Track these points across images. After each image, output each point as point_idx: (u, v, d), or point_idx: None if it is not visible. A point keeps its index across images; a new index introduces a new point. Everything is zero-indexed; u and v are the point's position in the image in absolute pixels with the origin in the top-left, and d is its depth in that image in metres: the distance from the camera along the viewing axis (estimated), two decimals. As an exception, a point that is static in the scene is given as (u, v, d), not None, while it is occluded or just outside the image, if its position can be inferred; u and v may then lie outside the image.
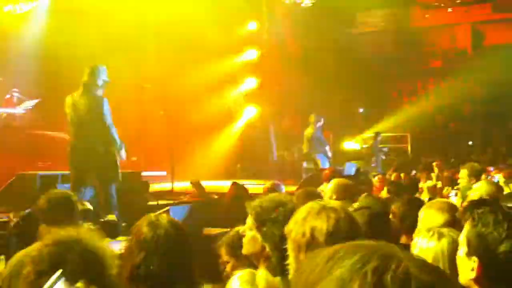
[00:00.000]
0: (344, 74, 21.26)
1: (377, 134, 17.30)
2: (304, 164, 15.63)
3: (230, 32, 17.52)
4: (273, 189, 6.16)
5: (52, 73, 12.79)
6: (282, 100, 18.64)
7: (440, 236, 2.46)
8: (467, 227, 1.90)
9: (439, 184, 8.15)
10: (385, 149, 17.01)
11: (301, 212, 2.17)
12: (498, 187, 4.03)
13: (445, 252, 2.37)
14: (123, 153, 7.34)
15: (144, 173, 10.66)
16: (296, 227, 2.15)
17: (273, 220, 2.50)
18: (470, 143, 19.33)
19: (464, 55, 22.60)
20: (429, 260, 2.36)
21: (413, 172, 12.07)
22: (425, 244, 2.47)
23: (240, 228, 2.90)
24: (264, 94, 18.23)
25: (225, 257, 3.45)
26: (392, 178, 10.20)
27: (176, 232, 2.52)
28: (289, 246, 2.11)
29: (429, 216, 3.19)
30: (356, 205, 4.73)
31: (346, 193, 4.87)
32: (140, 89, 9.58)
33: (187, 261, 2.49)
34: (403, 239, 3.61)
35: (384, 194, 7.59)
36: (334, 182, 4.95)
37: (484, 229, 1.81)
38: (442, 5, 22.42)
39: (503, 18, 21.38)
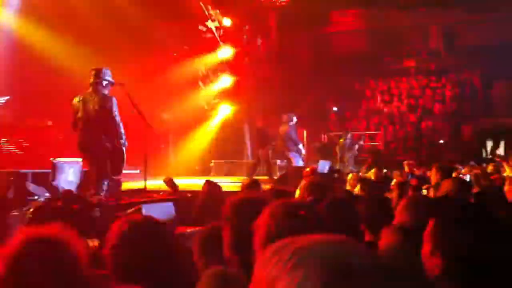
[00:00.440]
0: (318, 72, 21.40)
1: (347, 132, 17.43)
2: (279, 162, 15.70)
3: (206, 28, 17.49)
4: (252, 186, 6.19)
5: (21, 73, 12.68)
6: (257, 98, 18.65)
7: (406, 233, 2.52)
8: (429, 224, 1.94)
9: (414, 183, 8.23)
10: (356, 147, 17.08)
11: (268, 209, 2.21)
12: (464, 185, 4.11)
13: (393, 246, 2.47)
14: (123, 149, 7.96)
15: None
16: (262, 224, 2.18)
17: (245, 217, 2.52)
18: (442, 141, 19.58)
19: (436, 55, 22.91)
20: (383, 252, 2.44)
21: (384, 170, 12.18)
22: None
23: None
24: (238, 92, 18.23)
25: (198, 255, 3.44)
26: (369, 176, 10.25)
27: (150, 228, 2.51)
28: (256, 243, 2.13)
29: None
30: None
31: (319, 191, 4.90)
32: (116, 87, 9.49)
33: (164, 256, 2.48)
34: (368, 237, 3.67)
35: (357, 191, 7.64)
36: (307, 180, 4.98)
37: (446, 227, 1.86)
38: (415, 5, 22.68)
39: (475, 19, 21.72)
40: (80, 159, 8.97)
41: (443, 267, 1.88)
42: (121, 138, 7.85)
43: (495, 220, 1.92)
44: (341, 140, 17.04)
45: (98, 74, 7.95)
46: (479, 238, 1.83)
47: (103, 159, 7.76)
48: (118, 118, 7.76)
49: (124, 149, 7.93)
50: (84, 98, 7.82)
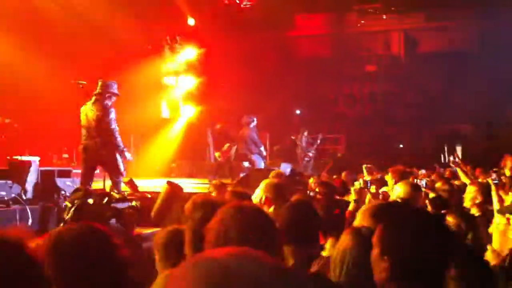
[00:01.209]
0: (283, 75, 21.51)
1: (302, 131, 17.30)
2: (245, 164, 15.72)
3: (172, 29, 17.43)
4: (221, 186, 6.21)
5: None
6: (221, 100, 18.63)
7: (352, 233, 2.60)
8: (378, 228, 1.98)
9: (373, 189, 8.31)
10: (313, 150, 17.02)
11: (220, 212, 2.22)
12: (415, 189, 4.18)
13: (347, 249, 2.50)
14: (127, 155, 8.91)
15: (76, 171, 10.41)
16: (213, 227, 2.19)
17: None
18: (401, 146, 19.95)
19: (397, 61, 23.32)
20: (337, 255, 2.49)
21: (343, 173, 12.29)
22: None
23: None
24: (202, 94, 18.18)
25: (158, 256, 3.43)
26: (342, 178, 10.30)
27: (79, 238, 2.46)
28: (206, 246, 2.13)
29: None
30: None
31: (278, 194, 4.91)
32: (76, 86, 9.37)
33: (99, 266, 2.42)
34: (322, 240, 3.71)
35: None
36: (265, 182, 4.99)
37: (392, 230, 1.90)
38: (377, 12, 23.04)
39: (435, 26, 22.21)
40: (37, 158, 8.82)
41: (390, 270, 1.91)
42: (118, 146, 8.61)
43: (441, 225, 1.98)
44: (299, 143, 16.95)
45: (103, 87, 8.73)
46: (424, 242, 1.88)
47: (101, 164, 8.80)
48: (114, 128, 8.54)
49: (118, 156, 8.67)
50: (86, 108, 8.66)
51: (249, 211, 2.24)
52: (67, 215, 5.38)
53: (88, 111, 8.61)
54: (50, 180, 7.89)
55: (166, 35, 17.49)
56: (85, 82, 9.20)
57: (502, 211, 5.22)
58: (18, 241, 2.01)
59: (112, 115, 8.58)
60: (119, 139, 8.63)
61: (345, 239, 2.59)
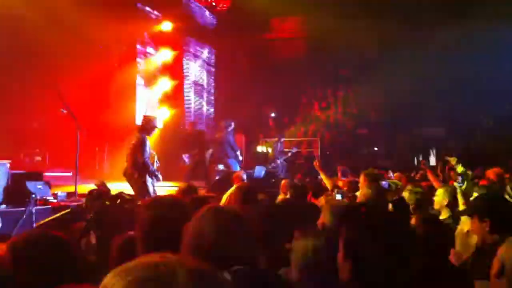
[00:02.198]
0: (257, 78, 21.56)
1: (279, 137, 17.27)
2: (220, 167, 15.70)
3: (146, 31, 17.34)
4: (188, 191, 6.18)
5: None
6: (197, 103, 18.61)
7: (315, 235, 2.69)
8: (341, 231, 2.02)
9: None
10: (288, 153, 16.98)
11: (197, 214, 2.27)
12: (378, 192, 4.25)
13: (309, 250, 2.57)
14: (157, 176, 9.89)
15: (47, 173, 10.30)
16: (188, 229, 2.22)
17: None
18: (376, 149, 20.13)
19: (372, 65, 23.51)
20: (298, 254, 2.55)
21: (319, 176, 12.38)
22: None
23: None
24: (178, 97, 18.12)
25: (114, 263, 3.42)
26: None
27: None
28: (182, 247, 2.17)
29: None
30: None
31: (248, 196, 4.94)
32: (48, 87, 9.31)
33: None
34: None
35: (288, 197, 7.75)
36: (236, 186, 5.04)
37: (351, 232, 1.94)
38: (352, 15, 23.20)
39: (408, 31, 22.46)
40: (8, 161, 8.69)
41: (352, 272, 1.94)
42: (147, 172, 9.68)
43: (401, 228, 2.01)
44: (273, 146, 16.88)
45: (145, 121, 10.28)
46: (385, 245, 1.91)
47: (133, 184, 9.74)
48: (145, 156, 9.69)
49: (148, 182, 9.69)
50: (131, 138, 10.06)
51: (225, 213, 2.28)
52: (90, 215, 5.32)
53: (131, 140, 10.10)
54: (20, 183, 7.77)
55: (141, 37, 17.38)
56: (56, 83, 9.13)
57: (458, 214, 5.34)
58: None
59: (145, 145, 9.88)
60: (150, 167, 9.77)
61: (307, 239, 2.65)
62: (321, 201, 6.20)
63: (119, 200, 6.20)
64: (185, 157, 14.03)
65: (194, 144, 14.34)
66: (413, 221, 3.30)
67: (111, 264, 3.45)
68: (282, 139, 16.86)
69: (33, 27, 13.45)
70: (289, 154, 17.26)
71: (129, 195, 7.71)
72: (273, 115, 22.48)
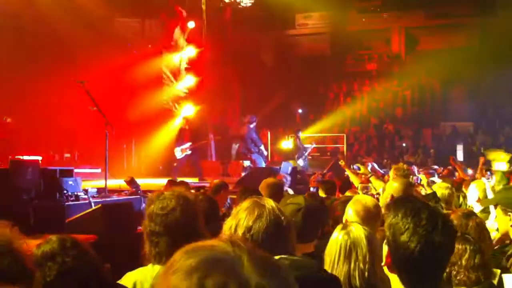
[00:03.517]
0: (282, 74, 21.52)
1: (297, 132, 16.64)
2: (246, 163, 15.72)
3: (169, 29, 17.43)
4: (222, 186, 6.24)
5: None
6: (221, 99, 18.66)
7: (344, 228, 2.71)
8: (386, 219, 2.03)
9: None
10: (308, 148, 16.46)
11: (237, 208, 2.29)
12: (407, 186, 4.22)
13: (338, 243, 2.61)
14: None
15: (77, 170, 10.43)
16: (229, 221, 2.27)
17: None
18: (404, 145, 19.93)
19: (398, 59, 23.32)
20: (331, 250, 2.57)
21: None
22: (333, 235, 2.71)
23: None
24: (202, 93, 18.18)
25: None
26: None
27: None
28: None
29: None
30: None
31: (276, 192, 4.98)
32: (77, 85, 9.39)
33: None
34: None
35: (321, 193, 7.74)
36: (264, 181, 5.10)
37: (394, 220, 1.94)
38: (377, 10, 23.05)
39: (435, 24, 22.22)
40: (39, 158, 8.83)
41: (388, 257, 1.97)
42: None
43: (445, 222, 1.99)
44: (293, 139, 16.31)
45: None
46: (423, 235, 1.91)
47: None
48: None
49: None
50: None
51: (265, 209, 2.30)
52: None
53: None
54: (52, 180, 7.88)
55: (166, 34, 17.49)
56: (85, 81, 9.20)
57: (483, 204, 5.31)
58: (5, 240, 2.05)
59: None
60: None
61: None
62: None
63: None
64: (179, 150, 13.76)
65: (187, 137, 13.99)
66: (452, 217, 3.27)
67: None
68: (299, 133, 16.24)
69: (61, 26, 13.64)
70: (308, 151, 16.66)
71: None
72: (300, 111, 22.35)
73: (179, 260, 0.94)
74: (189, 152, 13.84)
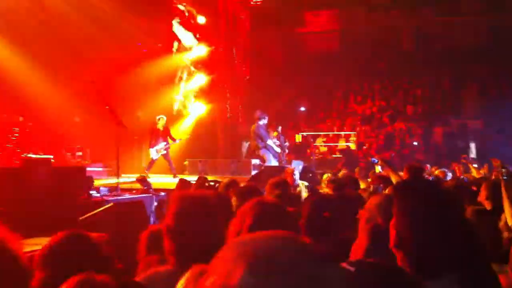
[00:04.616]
0: (292, 72, 21.51)
1: (278, 126, 15.68)
2: (255, 161, 15.65)
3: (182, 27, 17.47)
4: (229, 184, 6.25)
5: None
6: (230, 97, 18.66)
7: None
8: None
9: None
10: (286, 144, 15.71)
11: (244, 206, 2.30)
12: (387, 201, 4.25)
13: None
14: None
15: (89, 168, 10.50)
16: (236, 220, 2.28)
17: None
18: (415, 143, 19.83)
19: (408, 57, 23.20)
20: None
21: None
22: None
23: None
24: (213, 91, 18.21)
25: (142, 254, 3.49)
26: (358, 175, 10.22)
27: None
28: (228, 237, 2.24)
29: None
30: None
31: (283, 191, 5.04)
32: (87, 84, 9.45)
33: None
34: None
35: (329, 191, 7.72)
36: (270, 181, 5.16)
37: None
38: (387, 7, 22.96)
39: (446, 22, 22.10)
40: (51, 156, 8.88)
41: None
42: None
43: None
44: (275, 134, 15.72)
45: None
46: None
47: None
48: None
49: None
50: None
51: (269, 206, 2.33)
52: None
53: None
54: (64, 178, 7.92)
55: (175, 32, 17.51)
56: (96, 80, 9.25)
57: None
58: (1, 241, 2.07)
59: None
60: None
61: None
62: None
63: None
64: (154, 151, 13.88)
65: (157, 138, 14.17)
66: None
67: (139, 256, 3.52)
68: (279, 128, 15.55)
69: (74, 25, 13.70)
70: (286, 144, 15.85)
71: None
72: (302, 109, 22.25)
73: (229, 250, 0.95)
74: (164, 152, 14.06)
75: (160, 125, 14.16)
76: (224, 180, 6.52)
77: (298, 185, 9.07)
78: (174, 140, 14.29)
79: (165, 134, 14.14)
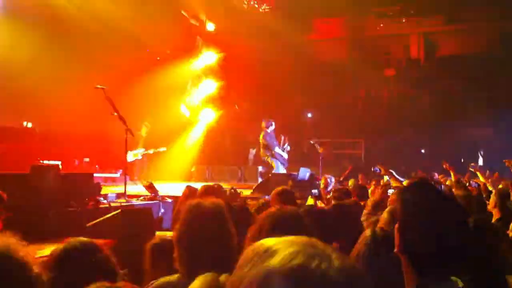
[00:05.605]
0: (299, 79, 21.52)
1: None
2: (260, 169, 15.65)
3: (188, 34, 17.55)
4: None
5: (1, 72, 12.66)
6: (240, 104, 18.71)
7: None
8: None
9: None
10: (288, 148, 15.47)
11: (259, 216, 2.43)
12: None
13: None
14: None
15: (97, 174, 10.52)
16: (253, 227, 2.32)
17: None
18: (423, 151, 19.78)
19: (416, 64, 23.16)
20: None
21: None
22: None
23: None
24: (222, 98, 18.26)
25: (148, 265, 3.49)
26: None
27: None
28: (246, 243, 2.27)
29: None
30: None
31: (286, 199, 5.06)
32: (97, 90, 9.48)
33: None
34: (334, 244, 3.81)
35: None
36: (274, 190, 5.21)
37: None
38: (396, 15, 22.95)
39: (454, 29, 22.05)
40: (59, 162, 8.92)
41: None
42: None
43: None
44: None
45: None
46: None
47: None
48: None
49: None
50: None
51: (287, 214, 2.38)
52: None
53: None
54: (71, 185, 7.95)
55: (186, 39, 17.59)
56: (106, 87, 9.27)
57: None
58: (7, 248, 2.07)
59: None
60: None
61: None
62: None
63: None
64: (131, 154, 13.94)
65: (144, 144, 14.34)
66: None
67: (145, 266, 3.52)
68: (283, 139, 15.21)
69: (83, 31, 13.78)
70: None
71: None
72: (309, 115, 22.22)
73: (276, 245, 0.95)
74: (140, 157, 14.25)
75: (144, 131, 14.38)
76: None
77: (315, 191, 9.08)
78: (149, 149, 14.38)
79: (146, 141, 14.37)
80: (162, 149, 14.60)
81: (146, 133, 14.42)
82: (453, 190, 6.81)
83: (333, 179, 10.95)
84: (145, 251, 3.55)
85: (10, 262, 2.01)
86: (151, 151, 14.35)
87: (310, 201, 8.46)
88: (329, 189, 9.51)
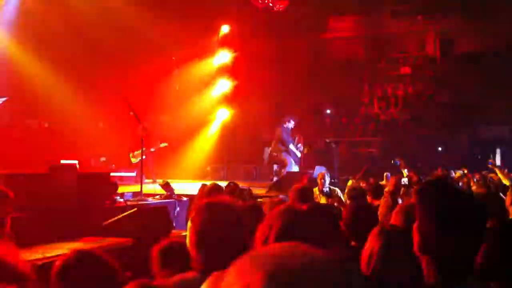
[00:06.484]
0: (315, 78, 21.46)
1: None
2: (275, 167, 15.65)
3: (204, 34, 17.60)
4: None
5: (16, 74, 12.79)
6: (255, 103, 18.70)
7: None
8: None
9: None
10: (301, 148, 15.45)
11: (269, 214, 2.37)
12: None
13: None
14: None
15: (113, 174, 10.60)
16: (263, 225, 2.30)
17: None
18: (440, 149, 19.61)
19: (433, 62, 22.98)
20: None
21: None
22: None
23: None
24: (237, 97, 18.29)
25: (157, 266, 3.50)
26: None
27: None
28: (255, 243, 2.25)
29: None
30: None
31: (304, 196, 5.08)
32: (114, 91, 9.56)
33: None
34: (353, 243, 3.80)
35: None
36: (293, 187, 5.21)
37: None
38: (412, 12, 22.78)
39: (471, 27, 21.82)
40: (76, 162, 9.00)
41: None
42: None
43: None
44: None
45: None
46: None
47: None
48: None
49: None
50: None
51: (298, 213, 2.34)
52: None
53: None
54: (88, 184, 8.02)
55: (200, 39, 17.63)
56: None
57: None
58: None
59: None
60: None
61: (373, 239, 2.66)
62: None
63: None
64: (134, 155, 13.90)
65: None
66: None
67: (153, 269, 3.53)
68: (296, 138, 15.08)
69: (97, 32, 13.88)
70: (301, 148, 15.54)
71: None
72: (328, 111, 22.07)
73: (247, 262, 0.95)
74: (144, 157, 14.09)
75: (143, 132, 14.28)
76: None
77: (327, 189, 9.07)
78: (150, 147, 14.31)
79: (146, 140, 14.34)
80: (163, 144, 14.49)
81: (146, 134, 14.33)
82: (473, 188, 6.76)
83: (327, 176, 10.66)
84: (153, 255, 3.54)
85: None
86: (152, 149, 14.23)
87: (322, 200, 8.47)
88: (326, 184, 9.37)
